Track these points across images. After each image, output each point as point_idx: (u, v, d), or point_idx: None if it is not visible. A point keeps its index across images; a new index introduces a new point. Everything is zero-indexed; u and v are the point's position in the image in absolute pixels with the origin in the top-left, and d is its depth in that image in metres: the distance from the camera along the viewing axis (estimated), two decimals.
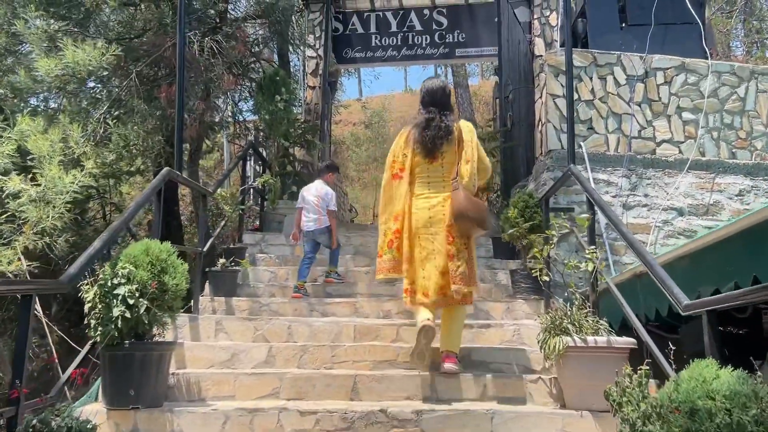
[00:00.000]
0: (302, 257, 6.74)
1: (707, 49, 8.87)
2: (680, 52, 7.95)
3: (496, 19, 10.93)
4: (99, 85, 8.10)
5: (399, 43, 11.28)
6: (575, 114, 7.41)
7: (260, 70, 10.76)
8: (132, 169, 9.27)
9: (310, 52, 11.10)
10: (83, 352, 3.99)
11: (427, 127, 4.36)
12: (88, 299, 3.80)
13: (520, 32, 10.32)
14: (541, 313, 6.11)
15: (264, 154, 10.19)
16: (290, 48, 10.13)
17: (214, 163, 20.80)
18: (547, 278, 5.14)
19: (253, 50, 9.42)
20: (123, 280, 3.79)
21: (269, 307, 6.08)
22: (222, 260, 6.37)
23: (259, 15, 10.00)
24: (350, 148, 25.01)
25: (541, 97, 7.58)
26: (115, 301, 3.73)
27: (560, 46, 10.68)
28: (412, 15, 11.31)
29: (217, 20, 8.98)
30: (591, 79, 7.52)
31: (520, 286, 6.31)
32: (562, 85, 7.44)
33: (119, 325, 3.70)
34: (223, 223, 6.91)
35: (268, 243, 7.86)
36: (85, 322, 3.82)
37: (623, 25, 9.41)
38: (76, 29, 8.28)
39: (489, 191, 8.28)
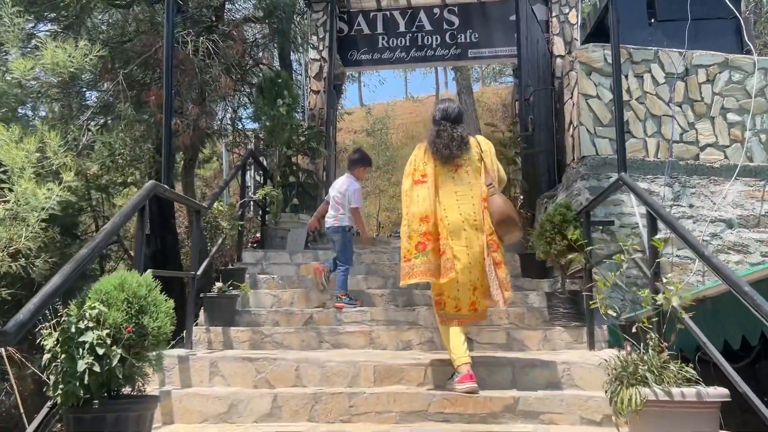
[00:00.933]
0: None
1: (750, 45, 8.11)
2: (715, 48, 7.18)
3: (512, 17, 10.16)
4: (84, 89, 7.31)
5: (408, 44, 10.50)
6: (610, 116, 6.62)
7: (260, 73, 9.98)
8: (123, 180, 8.46)
9: (313, 54, 10.32)
10: (40, 416, 3.16)
11: (439, 136, 4.30)
12: (48, 347, 2.99)
13: (538, 31, 9.54)
14: (584, 341, 5.33)
15: (265, 163, 9.41)
16: (292, 49, 9.35)
17: (214, 172, 20.00)
18: (598, 304, 4.32)
19: (252, 52, 8.62)
20: (91, 324, 2.99)
21: (272, 339, 5.28)
22: (219, 284, 5.55)
23: (260, 16, 9.23)
24: (348, 150, 24.25)
25: (571, 98, 6.79)
26: (80, 350, 2.93)
27: (581, 44, 9.92)
28: (422, 14, 10.54)
29: (213, 19, 8.19)
30: (626, 77, 6.73)
31: (557, 311, 5.51)
32: (595, 84, 6.66)
33: (86, 381, 2.89)
34: (220, 240, 6.10)
35: (270, 262, 7.04)
36: (44, 377, 3.01)
37: (652, 20, 8.66)
38: (64, 32, 7.51)
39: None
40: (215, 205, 6.17)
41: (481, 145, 4.40)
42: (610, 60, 6.67)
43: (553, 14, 9.86)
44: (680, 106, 6.76)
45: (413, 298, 6.08)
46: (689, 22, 7.44)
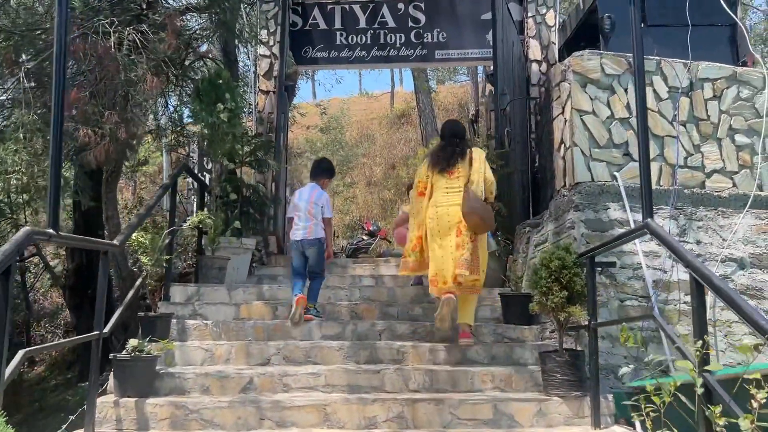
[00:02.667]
0: (291, 276, 5.79)
1: (757, 56, 7.25)
2: (708, 58, 6.24)
3: (484, 16, 9.18)
4: None
5: (369, 41, 9.31)
6: (608, 135, 5.59)
7: (203, 69, 8.67)
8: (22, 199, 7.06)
9: (262, 50, 9.04)
10: None
11: (443, 150, 5.33)
12: None
13: (514, 33, 8.48)
14: (586, 415, 4.29)
15: (205, 176, 8.16)
16: (238, 43, 8.04)
17: (159, 168, 18.44)
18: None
19: (192, 45, 7.32)
20: None
21: (200, 415, 4.10)
22: (134, 341, 4.31)
23: (202, 6, 7.93)
24: (302, 155, 22.90)
25: (562, 113, 5.73)
26: None
27: (560, 48, 8.91)
28: (384, 9, 9.37)
29: (143, 6, 6.87)
30: (626, 91, 5.71)
31: (554, 377, 4.44)
32: (591, 97, 5.61)
33: None
34: (139, 281, 4.84)
35: (203, 301, 5.80)
36: None
37: (642, 25, 7.69)
38: None
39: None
40: (134, 235, 4.90)
41: (474, 153, 5.32)
42: (608, 70, 5.67)
43: (529, 14, 8.81)
44: (685, 126, 5.78)
45: (378, 352, 4.94)
46: (690, 28, 6.46)
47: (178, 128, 9.81)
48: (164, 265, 5.13)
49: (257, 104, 8.96)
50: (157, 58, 6.22)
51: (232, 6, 6.87)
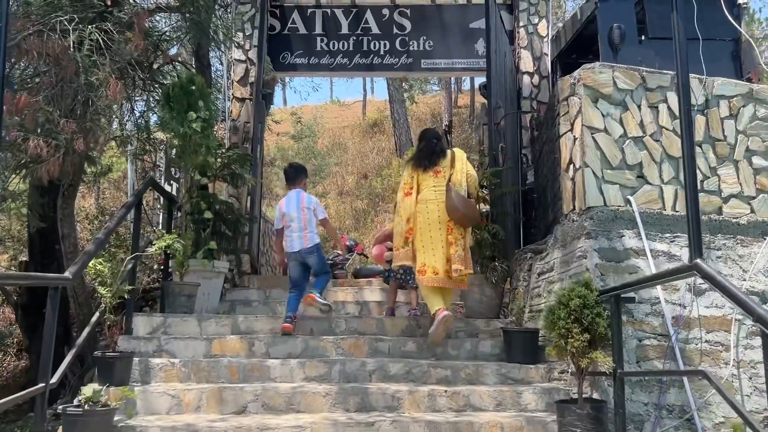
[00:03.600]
0: (289, 288, 5.72)
1: (750, 72, 6.85)
2: (711, 72, 5.79)
3: (473, 24, 8.69)
4: None
5: (351, 48, 8.71)
6: (621, 156, 5.07)
7: (172, 74, 7.97)
8: None
9: (238, 54, 8.39)
10: None
11: (421, 151, 5.68)
12: None
13: (506, 43, 7.98)
14: None
15: (172, 185, 7.45)
16: (212, 47, 7.37)
17: (123, 173, 17.50)
18: None
19: (160, 47, 6.63)
20: None
21: None
22: (87, 390, 3.62)
23: (173, 6, 7.24)
24: (274, 163, 22.13)
25: (571, 131, 5.19)
26: None
27: (553, 60, 8.43)
28: (368, 15, 8.78)
29: (108, 3, 6.17)
30: (639, 108, 5.20)
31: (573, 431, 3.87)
32: (603, 114, 5.09)
33: None
34: (95, 317, 4.16)
35: (171, 334, 5.12)
36: None
37: (642, 37, 7.26)
38: None
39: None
40: (92, 263, 4.21)
41: (456, 154, 5.70)
42: (621, 85, 5.15)
43: (520, 24, 8.33)
44: (701, 146, 5.29)
45: (370, 398, 4.32)
46: (701, 42, 6.00)
47: (145, 136, 9.03)
48: (126, 296, 4.44)
49: (231, 112, 8.29)
50: (122, 60, 5.52)
51: (207, 5, 6.19)
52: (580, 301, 3.88)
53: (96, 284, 4.18)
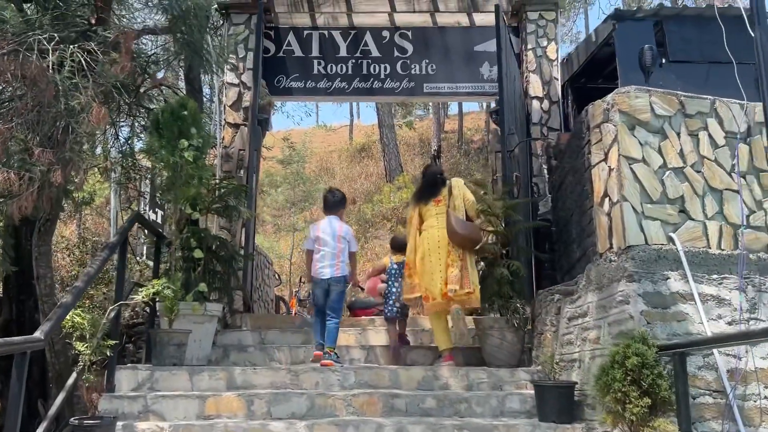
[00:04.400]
0: (313, 314, 5.75)
1: None
2: (736, 98, 5.33)
3: (477, 47, 8.25)
4: None
5: (350, 72, 8.20)
6: (661, 188, 4.55)
7: (159, 99, 7.40)
8: None
9: (230, 78, 7.83)
10: None
11: (422, 185, 5.96)
12: None
13: (515, 66, 7.52)
14: None
15: (157, 212, 6.85)
16: (204, 69, 6.80)
17: (107, 199, 16.75)
18: None
19: (147, 70, 6.06)
20: None
21: None
22: None
23: (162, 28, 6.67)
24: (262, 189, 21.52)
25: (605, 160, 4.67)
26: None
27: (564, 84, 7.97)
28: (368, 37, 8.29)
29: (92, 22, 5.61)
30: (678, 135, 4.70)
31: None
32: (640, 143, 4.58)
33: None
34: (72, 379, 3.52)
35: (159, 390, 4.47)
36: None
37: (663, 61, 6.81)
38: None
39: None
40: (69, 316, 3.59)
41: (453, 182, 5.82)
42: (658, 111, 4.65)
43: (528, 47, 7.86)
44: (744, 178, 4.80)
45: None
46: (735, 66, 5.54)
47: (130, 163, 8.42)
48: (109, 353, 3.80)
49: (222, 139, 7.71)
50: (107, 82, 4.94)
51: (200, 23, 5.64)
52: (638, 359, 3.34)
53: (74, 339, 3.56)
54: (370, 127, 32.79)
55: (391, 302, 6.25)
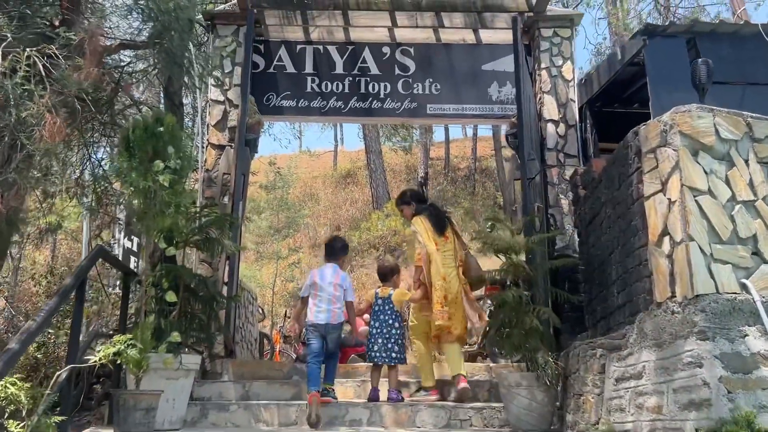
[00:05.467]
0: (309, 360, 5.27)
1: None
2: None
3: (485, 66, 7.53)
4: None
5: (347, 90, 7.43)
6: (732, 226, 3.77)
7: (137, 116, 6.54)
8: None
9: (215, 95, 7.02)
10: None
11: (435, 215, 5.82)
12: None
13: (530, 86, 6.79)
14: None
15: (132, 240, 5.99)
16: (185, 84, 5.97)
17: (79, 225, 15.68)
18: None
19: (120, 80, 5.23)
20: None
21: None
22: None
23: (140, 43, 5.85)
24: (247, 216, 20.57)
25: (663, 192, 3.89)
26: None
27: (581, 107, 7.26)
28: (366, 53, 7.54)
29: (55, 24, 4.77)
30: (747, 163, 3.94)
31: None
32: (705, 171, 3.81)
33: None
34: None
35: None
36: None
37: (698, 81, 6.11)
38: None
39: None
40: (1, 383, 2.69)
41: (451, 219, 5.98)
42: (723, 134, 3.90)
43: (542, 66, 7.14)
44: None
45: None
46: None
47: (102, 187, 7.55)
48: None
49: (205, 162, 6.86)
50: (68, 92, 4.09)
51: (182, 28, 4.82)
52: None
53: (5, 417, 2.67)
54: (355, 153, 32.13)
55: (376, 347, 5.48)
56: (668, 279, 3.78)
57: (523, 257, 5.15)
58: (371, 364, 5.72)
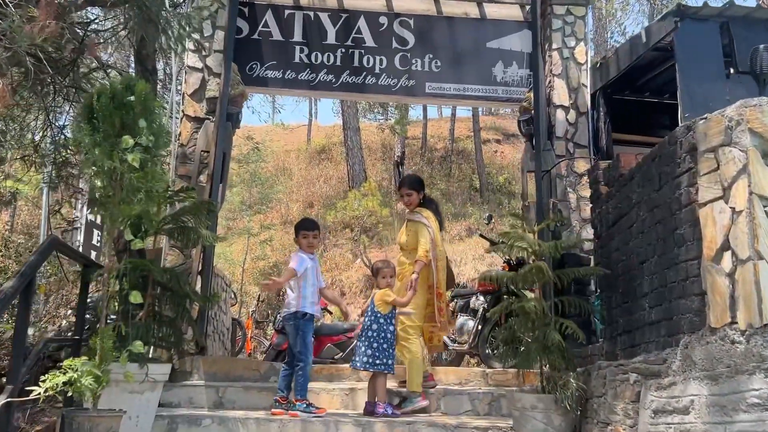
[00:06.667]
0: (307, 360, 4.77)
1: None
2: None
3: (490, 43, 6.87)
4: None
5: (338, 62, 6.72)
6: None
7: (103, 81, 5.76)
8: None
9: (192, 60, 6.26)
10: None
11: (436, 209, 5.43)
12: None
13: (542, 68, 6.17)
14: None
15: (95, 233, 5.32)
16: (160, 46, 5.19)
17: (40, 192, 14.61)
18: None
19: (85, 38, 4.45)
20: None
21: None
22: None
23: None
24: None
25: (723, 199, 3.32)
26: None
27: (594, 93, 6.67)
28: (361, 22, 6.82)
29: None
30: None
31: None
32: None
33: None
34: None
35: None
36: None
37: (730, 71, 5.56)
38: None
39: None
40: None
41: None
42: None
43: (553, 47, 6.52)
44: None
45: None
46: None
47: (62, 158, 6.82)
48: None
49: (179, 135, 6.12)
50: (18, 47, 3.34)
51: None
52: None
53: None
54: (330, 128, 31.23)
55: (361, 350, 4.83)
56: (728, 302, 3.21)
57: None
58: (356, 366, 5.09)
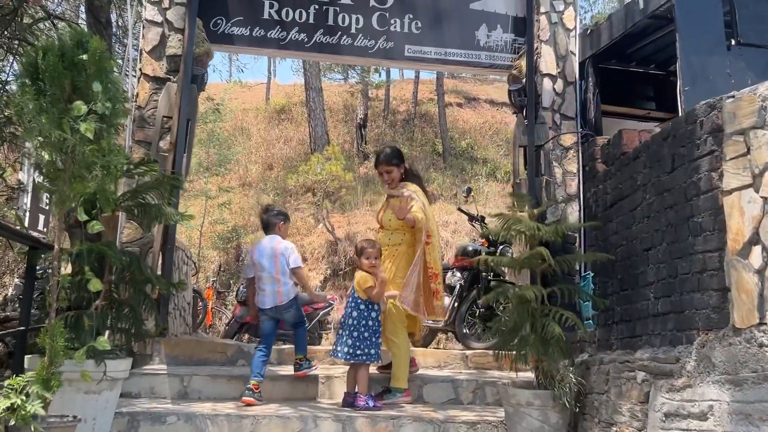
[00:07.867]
0: (256, 346, 4.73)
1: None
2: None
3: (474, 5, 6.39)
4: None
5: (311, 20, 6.16)
6: None
7: (49, 30, 5.13)
8: None
9: (150, 13, 5.64)
10: None
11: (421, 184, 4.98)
12: None
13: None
14: None
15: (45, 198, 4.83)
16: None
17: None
18: None
19: None
20: None
21: None
22: None
23: None
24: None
25: (753, 187, 3.00)
26: None
27: (583, 61, 6.32)
28: None
29: None
30: None
31: None
32: None
33: None
34: None
35: None
36: None
37: (731, 42, 5.26)
38: None
39: None
40: None
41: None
42: None
43: (541, 10, 6.12)
44: None
45: None
46: None
47: (4, 116, 6.23)
48: None
49: (137, 96, 5.53)
50: None
51: None
52: None
53: None
54: (290, 87, 30.36)
55: (343, 339, 4.48)
56: (756, 301, 2.93)
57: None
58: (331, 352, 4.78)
